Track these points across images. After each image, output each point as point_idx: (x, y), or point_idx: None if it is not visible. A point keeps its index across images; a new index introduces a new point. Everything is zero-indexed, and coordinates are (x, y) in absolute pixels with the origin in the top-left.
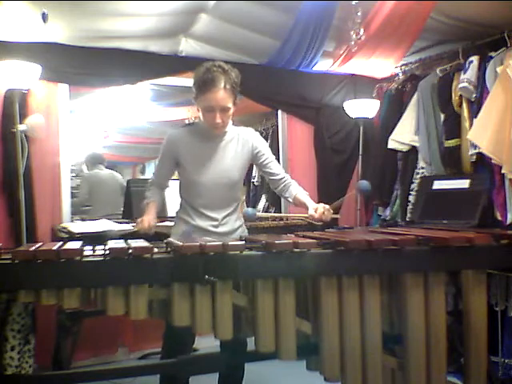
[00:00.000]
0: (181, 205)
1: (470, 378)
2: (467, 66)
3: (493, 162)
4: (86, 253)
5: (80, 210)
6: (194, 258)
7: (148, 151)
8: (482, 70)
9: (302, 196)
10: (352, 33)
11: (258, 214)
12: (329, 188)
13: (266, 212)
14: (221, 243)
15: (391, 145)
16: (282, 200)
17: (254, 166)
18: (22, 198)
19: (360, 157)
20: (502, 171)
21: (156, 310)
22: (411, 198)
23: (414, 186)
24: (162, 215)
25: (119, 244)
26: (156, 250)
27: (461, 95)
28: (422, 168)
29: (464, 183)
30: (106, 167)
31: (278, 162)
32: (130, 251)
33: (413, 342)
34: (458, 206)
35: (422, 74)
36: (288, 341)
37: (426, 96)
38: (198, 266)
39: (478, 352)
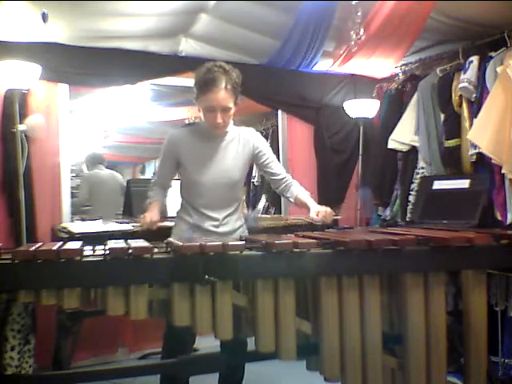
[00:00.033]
0: (181, 205)
1: (470, 378)
2: (467, 65)
3: (493, 161)
4: (85, 253)
5: (80, 210)
6: (194, 257)
7: (148, 151)
8: (482, 69)
9: (303, 196)
10: (352, 33)
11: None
12: (329, 188)
13: (266, 212)
14: (221, 243)
15: (391, 145)
16: (282, 200)
17: (255, 165)
18: (22, 198)
19: (360, 157)
20: (502, 171)
21: (156, 310)
22: (411, 198)
23: (414, 186)
24: (162, 215)
25: (119, 244)
26: (156, 249)
27: (461, 95)
28: (422, 168)
29: (464, 183)
30: (106, 167)
31: (278, 161)
32: (130, 251)
33: (413, 342)
34: (458, 205)
35: (421, 74)
36: (288, 341)
37: (426, 96)
38: (198, 266)
39: (478, 352)
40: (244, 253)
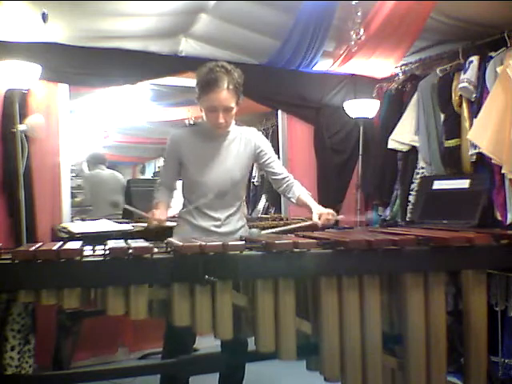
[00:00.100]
0: (184, 205)
1: (470, 378)
2: (467, 65)
3: (493, 161)
4: (85, 253)
5: (80, 210)
6: (194, 257)
7: (148, 151)
8: (482, 69)
9: (305, 197)
10: (352, 33)
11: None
12: (329, 188)
13: (265, 213)
14: (221, 243)
15: (391, 145)
16: (282, 200)
17: (255, 165)
18: (22, 198)
19: (360, 157)
20: (502, 171)
21: (156, 310)
22: (411, 198)
23: (414, 186)
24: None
25: (119, 244)
26: (156, 250)
27: (461, 95)
28: (422, 168)
29: (464, 183)
30: (107, 167)
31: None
32: (130, 251)
33: (413, 342)
34: (458, 205)
35: (421, 74)
36: (288, 341)
37: (426, 96)
38: (198, 266)
39: (478, 352)
40: (244, 253)
